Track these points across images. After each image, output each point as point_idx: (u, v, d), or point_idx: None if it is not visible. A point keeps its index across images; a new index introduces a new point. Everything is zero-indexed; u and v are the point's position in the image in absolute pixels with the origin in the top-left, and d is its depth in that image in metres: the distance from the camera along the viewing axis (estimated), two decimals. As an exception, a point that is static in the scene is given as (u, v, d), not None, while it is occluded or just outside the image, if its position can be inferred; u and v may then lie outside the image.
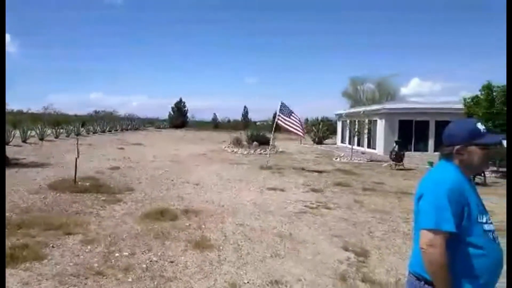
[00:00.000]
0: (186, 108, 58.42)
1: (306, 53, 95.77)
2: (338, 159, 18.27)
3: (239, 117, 61.56)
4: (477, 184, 9.75)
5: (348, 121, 25.30)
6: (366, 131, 21.86)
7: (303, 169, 14.08)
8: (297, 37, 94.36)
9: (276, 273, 4.26)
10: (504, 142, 14.25)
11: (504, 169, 14.46)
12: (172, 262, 4.48)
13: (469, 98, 15.12)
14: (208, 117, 63.52)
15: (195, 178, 10.91)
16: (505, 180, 12.67)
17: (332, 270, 4.42)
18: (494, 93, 13.80)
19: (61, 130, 25.79)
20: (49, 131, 23.64)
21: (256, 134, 24.08)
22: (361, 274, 4.31)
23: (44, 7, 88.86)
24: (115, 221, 6.09)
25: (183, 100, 58.09)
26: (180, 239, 5.30)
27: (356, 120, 23.26)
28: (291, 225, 6.27)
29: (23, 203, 6.93)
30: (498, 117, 13.31)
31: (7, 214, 5.96)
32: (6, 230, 5.05)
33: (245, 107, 61.55)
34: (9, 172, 9.82)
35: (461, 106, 15.75)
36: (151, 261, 4.48)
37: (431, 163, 14.60)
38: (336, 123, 33.22)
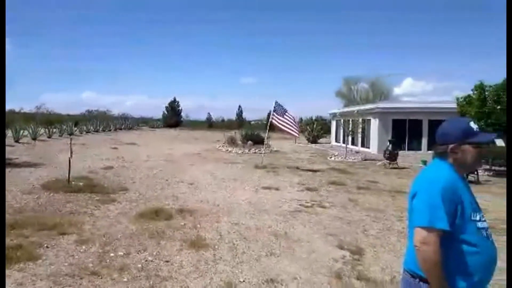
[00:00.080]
0: (180, 108, 58.39)
1: (302, 53, 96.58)
2: (332, 158, 18.34)
3: (233, 116, 61.62)
4: (470, 182, 9.83)
5: (342, 121, 25.41)
6: (360, 130, 21.96)
7: (297, 168, 14.11)
8: (293, 37, 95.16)
9: (271, 272, 4.27)
10: (497, 141, 14.40)
11: (497, 168, 14.60)
12: (167, 261, 4.47)
13: (461, 98, 15.24)
14: (202, 117, 63.58)
15: (190, 177, 10.89)
16: (498, 179, 12.81)
17: (327, 268, 4.44)
18: (486, 93, 13.93)
19: (54, 130, 25.59)
20: (42, 131, 23.45)
21: (251, 133, 24.07)
22: (356, 272, 4.34)
23: (36, 6, 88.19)
24: (109, 221, 6.06)
25: (177, 99, 58.02)
26: (175, 239, 5.29)
27: (350, 120, 23.37)
28: (286, 224, 6.28)
29: (16, 203, 6.88)
30: (490, 116, 13.45)
31: None
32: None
33: (239, 106, 61.65)
34: (1, 172, 9.73)
35: (454, 105, 15.88)
36: (146, 260, 4.47)
37: (424, 162, 14.68)
38: (330, 123, 33.33)
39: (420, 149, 21.41)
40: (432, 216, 1.73)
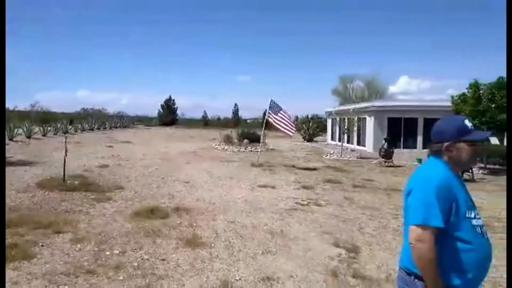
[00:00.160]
0: (175, 106, 58.13)
1: (298, 52, 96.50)
2: (328, 156, 18.38)
3: (229, 115, 61.50)
4: (465, 180, 9.89)
5: (337, 119, 25.43)
6: (355, 128, 22.02)
7: (293, 166, 14.13)
8: (290, 36, 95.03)
9: (267, 270, 4.28)
10: (492, 139, 14.45)
11: (492, 166, 14.71)
12: (163, 260, 4.47)
13: (456, 96, 15.31)
14: (198, 115, 63.35)
15: (186, 176, 10.88)
16: (493, 177, 12.90)
17: (323, 266, 4.45)
18: (481, 91, 14.00)
19: (49, 128, 25.44)
20: (36, 129, 23.31)
21: (247, 131, 24.06)
22: (352, 270, 4.35)
23: (29, 3, 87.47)
24: (105, 220, 6.04)
25: (172, 97, 57.82)
26: (171, 237, 5.28)
27: (346, 118, 23.41)
28: (282, 222, 6.29)
29: (11, 202, 6.83)
30: (485, 114, 13.53)
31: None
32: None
33: (235, 104, 61.52)
34: (-4, 171, 9.67)
35: (449, 103, 15.95)
36: (142, 259, 4.46)
37: (419, 160, 14.75)
38: (326, 121, 33.38)
39: (415, 147, 21.50)
40: (427, 214, 1.74)
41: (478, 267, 1.81)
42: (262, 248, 5.01)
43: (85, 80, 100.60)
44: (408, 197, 1.90)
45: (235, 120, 55.83)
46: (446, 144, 1.89)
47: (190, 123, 56.30)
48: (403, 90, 63.73)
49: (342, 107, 30.47)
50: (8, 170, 10.37)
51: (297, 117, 44.03)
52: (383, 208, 7.62)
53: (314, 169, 13.59)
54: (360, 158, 18.09)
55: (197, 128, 46.99)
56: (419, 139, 21.82)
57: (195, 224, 5.97)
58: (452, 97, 15.65)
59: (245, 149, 20.19)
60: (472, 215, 1.83)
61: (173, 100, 57.63)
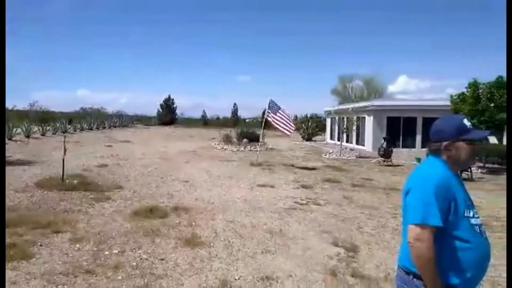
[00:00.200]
0: (175, 105, 58.05)
1: (298, 52, 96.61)
2: (327, 156, 18.39)
3: (228, 114, 61.48)
4: (464, 179, 9.90)
5: (337, 118, 25.44)
6: (354, 127, 22.02)
7: (293, 165, 14.13)
8: (289, 36, 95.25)
9: (267, 269, 4.28)
10: (490, 138, 14.45)
11: (490, 165, 14.72)
12: (162, 259, 4.46)
13: (455, 95, 15.33)
14: (197, 115, 63.29)
15: (185, 175, 10.87)
16: (491, 176, 12.91)
17: (322, 265, 4.46)
18: (480, 90, 14.02)
19: (48, 128, 25.40)
20: (35, 128, 23.28)
21: (246, 131, 24.05)
22: (351, 269, 4.36)
23: (28, 3, 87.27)
24: (104, 219, 6.04)
25: (171, 97, 57.76)
26: (170, 237, 5.28)
27: (345, 117, 23.41)
28: (282, 221, 6.29)
29: (10, 202, 6.82)
30: (484, 113, 13.54)
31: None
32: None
33: (234, 104, 61.50)
34: (-6, 170, 9.65)
35: (448, 103, 15.96)
36: (141, 258, 4.45)
37: (418, 159, 14.77)
38: (325, 120, 33.38)
39: (414, 147, 21.50)
40: (426, 213, 1.74)
41: (477, 266, 1.81)
42: (261, 247, 5.01)
43: (85, 79, 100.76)
44: (406, 196, 1.90)
45: (234, 120, 55.81)
46: (445, 143, 1.89)
47: (189, 122, 56.25)
48: (402, 89, 63.79)
49: (341, 107, 30.48)
50: (7, 169, 10.35)
51: (296, 117, 44.03)
52: (382, 207, 7.62)
53: (313, 168, 13.59)
54: (359, 157, 18.10)
55: (196, 128, 46.94)
56: (418, 138, 21.82)
57: (194, 224, 5.97)
58: (451, 96, 15.67)
59: (244, 148, 20.19)
60: (471, 214, 1.83)
61: (172, 100, 57.57)
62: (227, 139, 22.41)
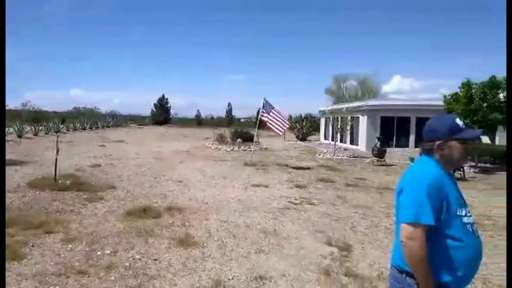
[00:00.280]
0: (169, 105, 57.90)
1: (293, 51, 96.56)
2: (321, 156, 18.43)
3: (223, 114, 61.45)
4: (457, 179, 9.99)
5: (331, 118, 25.51)
6: (348, 127, 22.08)
7: (287, 165, 14.14)
8: (285, 35, 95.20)
9: (260, 269, 4.27)
10: (483, 138, 14.53)
11: (483, 165, 14.85)
12: (155, 259, 4.44)
13: (448, 95, 15.41)
14: (191, 114, 63.18)
15: (179, 175, 10.83)
16: (484, 175, 13.02)
17: (316, 265, 4.46)
18: (473, 90, 14.11)
19: (40, 127, 25.21)
20: (27, 128, 23.09)
21: (240, 130, 24.05)
22: (344, 268, 4.36)
23: (20, 2, 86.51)
24: (96, 219, 5.99)
25: (165, 96, 57.57)
26: (164, 237, 5.26)
27: (339, 117, 23.47)
28: (275, 221, 6.29)
29: (1, 202, 6.75)
30: (477, 113, 13.64)
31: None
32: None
33: (229, 104, 61.51)
34: (-14, 170, 9.54)
35: (441, 103, 16.06)
36: (134, 259, 4.43)
37: (412, 159, 14.84)
38: (319, 120, 33.44)
39: (407, 146, 21.62)
40: (418, 212, 1.75)
41: (469, 265, 1.82)
42: (255, 247, 5.00)
43: (78, 79, 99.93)
44: (400, 195, 1.91)
45: (229, 119, 55.80)
46: (438, 142, 1.89)
47: (184, 122, 56.15)
48: (396, 89, 64.08)
49: (335, 106, 30.55)
50: (-2, 169, 10.26)
51: (290, 116, 44.05)
52: (376, 206, 7.65)
53: (307, 168, 13.61)
54: (353, 157, 18.16)
55: (190, 127, 46.88)
56: (412, 138, 21.95)
57: (187, 224, 5.94)
58: (445, 96, 15.75)
59: (238, 148, 20.17)
60: (463, 213, 1.84)
61: (166, 99, 57.45)
62: (221, 139, 22.38)
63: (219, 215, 6.53)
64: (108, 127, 39.35)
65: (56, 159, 8.89)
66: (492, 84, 13.68)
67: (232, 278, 4.01)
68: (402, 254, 1.81)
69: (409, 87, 69.94)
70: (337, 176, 11.82)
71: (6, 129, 19.70)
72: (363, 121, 22.73)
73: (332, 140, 23.30)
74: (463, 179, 11.59)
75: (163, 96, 57.34)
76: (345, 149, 21.49)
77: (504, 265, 4.46)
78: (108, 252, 4.60)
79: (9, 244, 4.58)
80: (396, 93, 55.85)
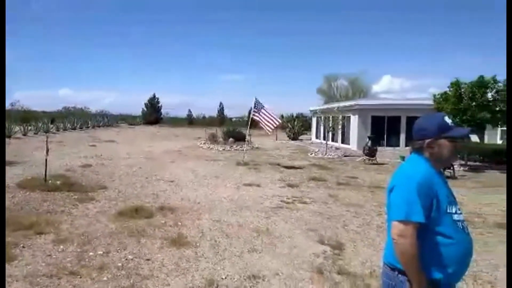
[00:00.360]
0: (160, 104, 57.56)
1: (286, 51, 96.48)
2: (313, 155, 18.49)
3: (214, 113, 61.30)
4: (447, 177, 10.08)
5: (322, 117, 25.61)
6: (340, 127, 22.20)
7: (279, 164, 14.17)
8: (278, 35, 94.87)
9: (253, 268, 4.28)
10: (472, 136, 14.70)
11: (472, 163, 15.04)
12: (148, 260, 4.42)
13: (438, 95, 15.58)
14: (183, 114, 62.91)
15: (170, 175, 10.80)
16: (473, 174, 13.18)
17: (309, 263, 4.48)
18: (462, 90, 14.28)
19: (29, 127, 24.92)
20: (16, 128, 22.81)
21: (232, 130, 24.03)
22: (337, 266, 4.39)
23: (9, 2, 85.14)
24: (88, 220, 5.95)
25: (156, 96, 57.24)
26: (156, 237, 5.24)
27: (330, 116, 23.59)
28: (268, 220, 6.31)
29: (-10, 203, 6.67)
30: (466, 112, 13.81)
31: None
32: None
33: (220, 103, 61.39)
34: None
35: (430, 102, 16.22)
36: (126, 259, 4.40)
37: (402, 158, 14.96)
38: (311, 119, 33.56)
39: (398, 145, 21.81)
40: (409, 210, 1.77)
41: (459, 262, 1.85)
42: (248, 246, 5.01)
43: (67, 78, 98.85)
44: (390, 193, 1.93)
45: (220, 119, 55.70)
46: (427, 141, 1.92)
47: (175, 121, 55.87)
48: (386, 89, 64.51)
49: (326, 106, 30.71)
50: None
51: (282, 116, 44.12)
52: (367, 205, 7.71)
53: (299, 167, 13.66)
54: (345, 156, 18.25)
55: (181, 127, 46.67)
56: (402, 137, 22.15)
57: (180, 224, 5.93)
58: (434, 95, 15.91)
59: (230, 147, 20.15)
60: (453, 210, 1.87)
61: (157, 99, 57.10)
62: (213, 139, 22.34)
63: (211, 215, 6.52)
64: (99, 127, 39.05)
65: (46, 159, 8.79)
66: (481, 84, 13.86)
67: (225, 278, 4.01)
68: (394, 251, 1.83)
69: (399, 86, 70.54)
70: (329, 175, 11.88)
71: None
72: (354, 120, 22.86)
73: (324, 139, 23.40)
74: (453, 177, 11.72)
75: (154, 95, 57.04)
76: (337, 148, 21.59)
77: (494, 261, 4.55)
78: (100, 252, 4.57)
79: (-1, 246, 4.53)
80: (386, 93, 56.27)
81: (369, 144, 16.25)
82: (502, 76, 13.87)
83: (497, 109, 13.77)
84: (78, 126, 33.96)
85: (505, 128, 19.33)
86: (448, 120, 1.94)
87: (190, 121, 58.33)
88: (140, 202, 7.20)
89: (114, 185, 8.88)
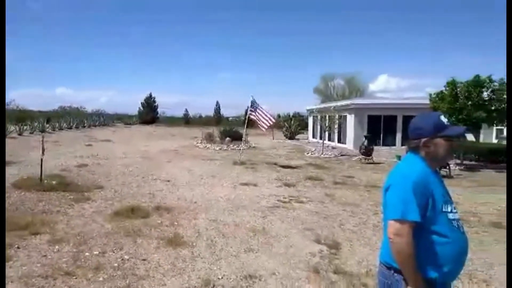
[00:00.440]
0: (156, 104, 57.39)
1: (282, 50, 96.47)
2: (309, 154, 18.51)
3: (211, 113, 61.21)
4: (443, 176, 10.13)
5: (319, 117, 25.64)
6: (336, 126, 22.23)
7: (275, 164, 14.17)
8: (275, 35, 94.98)
9: (250, 268, 4.28)
10: (467, 136, 14.75)
11: (468, 162, 15.10)
12: (144, 260, 4.41)
13: (434, 94, 15.63)
14: (180, 113, 62.77)
15: (167, 174, 10.77)
16: (469, 173, 13.24)
17: (305, 263, 4.48)
18: (458, 89, 14.33)
19: (25, 127, 24.80)
20: (11, 128, 22.69)
21: (229, 129, 24.02)
22: (333, 266, 4.40)
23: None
24: (84, 220, 5.93)
25: (153, 95, 57.07)
26: (152, 237, 5.22)
27: (327, 116, 23.61)
28: (265, 220, 6.30)
29: (-15, 203, 6.63)
30: (462, 111, 13.87)
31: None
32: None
33: (217, 102, 61.33)
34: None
35: (427, 101, 16.27)
36: (122, 259, 4.39)
37: (399, 157, 15.01)
38: (307, 119, 33.59)
39: (394, 145, 21.87)
40: (405, 209, 1.77)
41: (455, 260, 1.85)
42: (245, 246, 5.00)
43: (65, 77, 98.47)
44: (386, 192, 1.93)
45: (217, 118, 55.64)
46: (423, 140, 1.92)
47: (171, 121, 55.71)
48: (383, 88, 64.76)
49: (323, 105, 30.73)
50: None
51: (279, 115, 44.19)
52: (363, 204, 7.72)
53: (296, 166, 13.67)
54: (341, 155, 18.28)
55: (178, 127, 46.58)
56: (398, 136, 22.21)
57: (176, 223, 5.92)
58: (430, 95, 15.97)
59: (227, 147, 20.14)
60: (449, 209, 1.87)
61: (154, 98, 56.93)
62: (210, 138, 22.32)
63: (208, 214, 6.51)
64: (95, 126, 38.93)
65: (42, 159, 8.75)
66: (476, 83, 13.92)
67: (222, 278, 4.00)
68: (390, 250, 1.83)
69: (396, 86, 70.76)
70: (325, 174, 11.89)
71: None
72: (350, 119, 22.89)
73: (320, 138, 23.44)
74: (449, 176, 11.76)
75: (150, 95, 56.85)
76: (333, 148, 21.62)
77: (489, 260, 4.57)
78: (96, 252, 4.56)
79: (-6, 246, 4.51)
80: (382, 92, 56.51)
81: (366, 143, 16.28)
82: (498, 76, 13.97)
83: (493, 108, 13.84)
84: (74, 125, 33.82)
85: (500, 127, 19.45)
86: (444, 119, 1.95)
87: (187, 120, 58.19)
88: (137, 202, 7.18)
89: (110, 185, 8.85)
